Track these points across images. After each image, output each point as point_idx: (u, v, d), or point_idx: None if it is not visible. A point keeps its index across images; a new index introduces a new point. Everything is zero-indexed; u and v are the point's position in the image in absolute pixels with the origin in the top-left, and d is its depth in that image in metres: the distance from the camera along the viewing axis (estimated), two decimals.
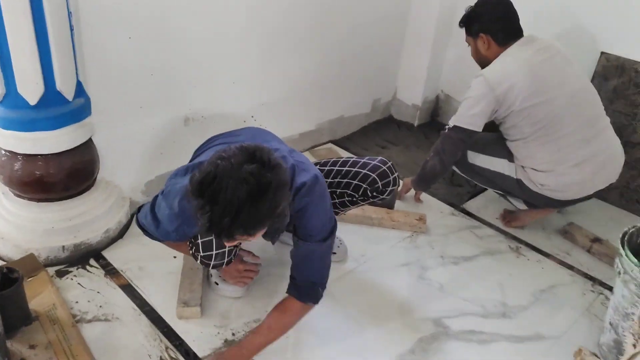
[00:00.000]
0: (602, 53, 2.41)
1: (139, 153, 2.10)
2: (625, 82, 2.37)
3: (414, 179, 2.35)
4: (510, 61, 2.01)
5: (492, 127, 2.21)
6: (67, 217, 1.84)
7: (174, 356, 1.56)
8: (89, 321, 1.65)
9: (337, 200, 1.83)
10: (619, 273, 1.54)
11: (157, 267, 1.86)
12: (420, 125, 3.22)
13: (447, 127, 2.14)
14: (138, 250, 1.93)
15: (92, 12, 1.74)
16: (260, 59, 2.36)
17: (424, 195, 2.46)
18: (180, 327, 1.65)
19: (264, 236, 1.72)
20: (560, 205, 2.19)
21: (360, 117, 3.11)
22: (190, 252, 1.61)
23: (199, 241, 1.55)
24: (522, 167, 2.09)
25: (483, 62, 2.14)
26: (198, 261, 1.62)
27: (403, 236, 2.19)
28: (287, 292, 1.56)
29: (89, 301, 1.72)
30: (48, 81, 1.62)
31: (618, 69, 2.37)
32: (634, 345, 1.30)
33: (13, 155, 1.72)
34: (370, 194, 1.79)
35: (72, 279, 1.80)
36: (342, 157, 1.87)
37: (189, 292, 1.73)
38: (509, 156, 2.14)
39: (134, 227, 1.79)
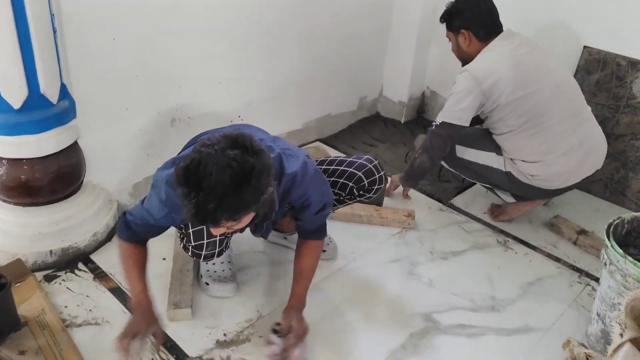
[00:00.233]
0: (585, 47, 2.44)
1: (125, 155, 2.09)
2: (607, 75, 2.40)
3: (402, 175, 2.36)
4: (494, 56, 2.03)
5: (477, 121, 2.23)
6: (54, 221, 1.82)
7: (165, 358, 1.55)
8: (79, 325, 1.64)
9: None
10: (605, 264, 1.57)
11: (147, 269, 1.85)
12: (407, 122, 3.23)
13: (434, 123, 2.15)
14: None
15: (74, 14, 1.73)
16: (246, 59, 2.36)
17: (412, 192, 2.48)
18: (171, 329, 1.65)
19: (255, 233, 1.73)
20: (548, 195, 2.22)
21: (347, 115, 3.11)
22: (181, 243, 1.63)
23: (190, 230, 1.55)
24: (511, 159, 2.11)
25: (464, 58, 2.17)
26: (189, 253, 1.62)
27: (392, 233, 2.21)
28: (304, 238, 1.69)
29: (78, 305, 1.71)
30: (32, 84, 1.60)
31: (600, 62, 2.40)
32: (621, 335, 1.31)
33: None
34: (356, 193, 1.80)
35: (60, 284, 1.79)
36: (329, 156, 1.88)
37: (179, 293, 1.73)
38: (497, 149, 2.16)
39: None
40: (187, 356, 1.57)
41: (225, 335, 1.65)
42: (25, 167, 1.71)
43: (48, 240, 1.82)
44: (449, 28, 2.18)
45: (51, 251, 1.82)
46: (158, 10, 1.94)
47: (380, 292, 1.89)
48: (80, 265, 1.87)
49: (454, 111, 2.07)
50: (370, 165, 1.80)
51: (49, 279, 1.81)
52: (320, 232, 1.70)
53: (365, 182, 1.78)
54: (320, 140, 2.96)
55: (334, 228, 2.12)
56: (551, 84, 2.02)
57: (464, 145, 2.22)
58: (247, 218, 1.30)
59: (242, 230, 1.78)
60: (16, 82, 1.57)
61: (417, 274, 1.99)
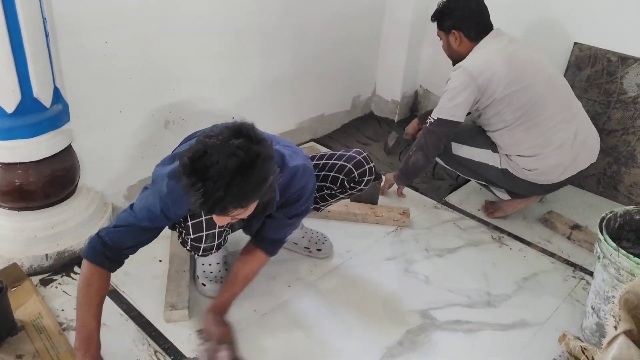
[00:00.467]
0: (575, 43, 2.46)
1: (120, 158, 2.09)
2: (598, 71, 2.42)
3: (397, 174, 2.37)
4: (486, 52, 2.05)
5: None
6: (49, 225, 1.82)
7: (162, 359, 1.55)
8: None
9: (317, 195, 1.85)
10: (599, 258, 1.58)
11: (143, 271, 1.85)
12: (401, 121, 3.24)
13: (428, 121, 2.16)
14: None
15: (67, 17, 1.73)
16: (239, 60, 2.36)
17: (407, 190, 2.49)
18: (168, 331, 1.65)
19: (245, 229, 1.73)
20: (544, 191, 2.23)
21: (341, 114, 3.12)
22: (179, 238, 1.62)
23: (189, 223, 1.55)
24: (507, 155, 2.13)
25: (454, 57, 2.19)
26: (188, 247, 1.61)
27: (387, 231, 2.21)
28: (254, 245, 1.65)
29: (74, 309, 1.70)
30: (25, 88, 1.60)
31: (591, 58, 2.42)
32: (615, 327, 1.32)
33: None
34: (347, 185, 1.81)
35: (57, 287, 1.79)
36: (319, 152, 1.89)
37: (176, 295, 1.73)
38: (493, 147, 2.17)
39: None
40: (185, 357, 1.57)
41: None
42: (19, 171, 1.70)
43: (43, 244, 1.82)
44: (440, 27, 2.20)
45: (47, 255, 1.82)
46: (151, 13, 1.94)
47: (377, 290, 1.89)
48: (76, 269, 1.86)
49: (449, 107, 2.08)
50: (359, 157, 1.81)
51: (45, 282, 1.80)
52: (273, 246, 1.67)
53: (355, 173, 1.79)
54: (315, 140, 2.96)
55: (329, 227, 2.13)
56: (543, 77, 2.04)
57: (459, 143, 2.23)
58: (253, 205, 1.33)
59: (234, 229, 1.79)
60: (9, 86, 1.57)
61: (413, 271, 2.00)
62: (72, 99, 1.82)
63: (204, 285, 1.79)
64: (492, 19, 2.14)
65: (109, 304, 1.72)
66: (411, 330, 1.72)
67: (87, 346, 1.37)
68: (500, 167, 2.15)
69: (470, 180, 2.46)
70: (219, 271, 1.82)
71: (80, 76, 1.84)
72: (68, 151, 1.81)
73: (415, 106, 3.30)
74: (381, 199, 2.39)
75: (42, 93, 1.64)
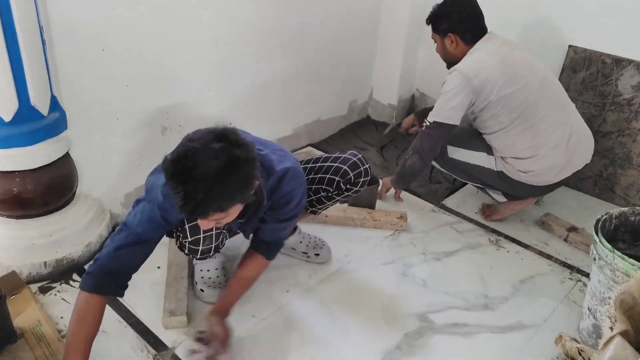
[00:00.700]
0: (570, 46, 2.47)
1: (117, 165, 2.10)
2: (593, 73, 2.43)
3: (394, 178, 2.38)
4: (481, 55, 2.07)
5: None
6: (47, 232, 1.83)
7: None
8: None
9: (313, 197, 1.86)
10: (595, 259, 1.59)
11: (141, 278, 1.82)
12: (398, 125, 3.25)
13: (424, 124, 2.18)
14: None
15: (63, 26, 1.74)
16: (235, 66, 2.38)
17: (404, 194, 2.49)
18: (167, 337, 1.66)
19: (245, 233, 1.74)
20: (540, 192, 2.24)
21: (338, 119, 3.13)
22: (177, 243, 1.63)
23: (186, 226, 1.55)
24: (502, 157, 2.14)
25: (449, 60, 2.20)
26: (186, 250, 1.62)
27: (385, 235, 2.22)
28: (253, 249, 1.68)
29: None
30: (22, 97, 1.61)
31: (586, 61, 2.44)
32: (611, 328, 1.33)
33: None
34: (344, 187, 1.82)
35: (55, 295, 1.79)
36: (315, 155, 1.90)
37: (174, 301, 1.74)
38: (488, 149, 2.18)
39: None
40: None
41: None
42: (17, 179, 1.71)
43: (42, 252, 1.82)
44: (435, 30, 2.21)
45: (45, 263, 1.82)
46: (146, 21, 1.95)
47: (375, 294, 1.90)
48: (75, 276, 1.87)
49: (445, 110, 2.09)
50: (354, 159, 1.82)
51: (44, 290, 1.81)
52: (272, 249, 1.70)
53: (351, 174, 1.80)
54: (312, 145, 2.97)
55: (327, 232, 2.14)
56: (537, 79, 2.06)
57: (455, 146, 2.24)
58: (235, 210, 1.34)
59: (231, 233, 1.80)
60: (6, 94, 1.58)
61: (410, 275, 2.00)
62: (69, 106, 1.83)
63: (203, 291, 1.80)
64: (488, 22, 2.16)
65: (107, 311, 1.71)
66: (409, 333, 1.73)
67: None
68: (495, 170, 2.16)
69: (467, 183, 2.47)
70: (217, 277, 1.83)
71: (77, 84, 1.85)
72: (66, 159, 1.82)
73: (412, 110, 3.31)
74: (379, 203, 2.40)
75: (40, 101, 1.65)
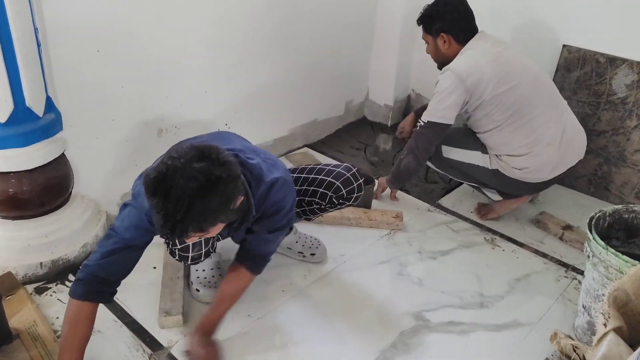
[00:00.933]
0: (564, 46, 2.48)
1: (113, 166, 2.10)
2: (587, 72, 2.44)
3: (389, 177, 2.39)
4: (473, 54, 2.08)
5: None
6: (43, 233, 1.83)
7: None
8: None
9: (306, 208, 1.86)
10: (588, 257, 1.60)
11: (137, 278, 1.83)
12: (394, 125, 3.25)
13: (418, 124, 2.18)
14: None
15: (58, 27, 1.74)
16: (231, 68, 2.38)
17: (400, 194, 2.50)
18: (162, 336, 1.66)
19: (234, 239, 1.74)
20: (535, 190, 2.25)
21: (334, 119, 3.14)
22: (168, 249, 1.63)
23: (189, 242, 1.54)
24: (497, 156, 2.15)
25: (441, 60, 2.21)
26: (176, 257, 1.63)
27: (381, 234, 2.23)
28: (239, 263, 1.62)
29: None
30: (17, 98, 1.61)
31: (580, 60, 2.45)
32: (605, 325, 1.34)
33: None
34: (336, 202, 1.82)
35: (51, 295, 1.80)
36: (309, 164, 1.89)
37: (170, 301, 1.74)
38: (482, 148, 2.19)
39: None
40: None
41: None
42: (12, 180, 1.71)
43: (38, 253, 1.83)
44: (427, 31, 2.21)
45: (41, 263, 1.82)
46: (142, 22, 1.96)
47: (371, 293, 1.91)
48: (71, 277, 1.87)
49: (439, 109, 2.10)
50: (348, 174, 1.80)
51: (39, 291, 1.81)
52: (257, 264, 1.64)
53: (344, 191, 1.79)
54: (308, 145, 2.98)
55: (323, 231, 2.14)
56: (530, 77, 2.07)
57: (449, 145, 2.25)
58: (217, 228, 1.32)
59: (222, 237, 1.80)
60: (1, 96, 1.58)
61: (406, 274, 2.01)
62: (64, 107, 1.83)
63: (198, 291, 1.80)
64: (482, 23, 2.17)
65: (103, 311, 1.73)
66: (404, 332, 1.73)
67: None
68: (490, 168, 2.17)
69: (462, 183, 2.48)
70: (213, 276, 1.83)
71: (73, 85, 1.85)
72: (61, 159, 1.83)
73: (408, 110, 3.32)
74: (375, 203, 2.41)
75: (35, 102, 1.66)
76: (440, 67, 2.20)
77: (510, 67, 2.05)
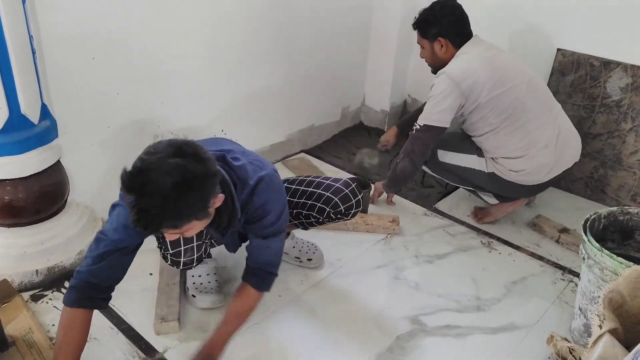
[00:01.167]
0: (559, 49, 2.49)
1: (109, 172, 2.10)
2: (582, 76, 2.45)
3: (385, 182, 2.39)
4: (468, 58, 2.08)
5: None
6: (39, 240, 1.83)
7: None
8: None
9: (304, 220, 1.86)
10: (584, 259, 1.60)
11: (133, 285, 1.85)
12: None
13: (414, 128, 2.19)
14: None
15: (53, 34, 1.75)
16: (227, 73, 2.39)
17: (397, 198, 2.50)
18: (159, 343, 1.65)
19: (227, 247, 1.74)
20: (531, 192, 2.26)
21: (331, 125, 3.15)
22: (161, 254, 1.63)
23: (167, 239, 1.53)
24: (493, 159, 2.15)
25: (437, 64, 2.21)
26: (169, 262, 1.63)
27: (378, 239, 2.23)
28: (244, 280, 1.57)
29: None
30: (12, 105, 1.61)
31: (574, 63, 2.46)
32: (600, 327, 1.34)
33: None
34: (334, 217, 1.81)
35: (47, 302, 1.79)
36: (309, 176, 1.89)
37: (166, 307, 1.74)
38: (478, 151, 2.20)
39: None
40: None
41: None
42: (8, 187, 1.71)
43: (34, 260, 1.82)
44: (424, 35, 2.21)
45: (37, 271, 1.82)
46: (137, 29, 1.97)
47: (367, 298, 1.90)
48: (67, 284, 1.86)
49: (434, 113, 2.10)
50: (346, 190, 1.79)
51: (35, 298, 1.81)
52: (262, 280, 1.57)
53: (342, 207, 1.79)
54: (305, 151, 2.98)
55: (320, 237, 2.14)
56: (524, 80, 2.08)
57: (445, 149, 2.26)
58: (192, 226, 1.29)
59: (217, 243, 1.80)
60: None
61: (403, 278, 2.01)
62: (60, 114, 1.84)
63: (194, 296, 1.80)
64: (478, 27, 2.18)
65: (99, 318, 1.72)
66: (401, 336, 1.73)
67: None
68: (487, 171, 2.17)
69: (459, 187, 2.48)
70: (209, 282, 1.83)
71: (68, 92, 1.86)
72: (57, 167, 1.83)
73: (404, 115, 3.33)
74: (371, 208, 2.41)
75: (30, 109, 1.66)
76: (435, 72, 2.21)
77: (505, 70, 2.06)
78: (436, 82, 2.10)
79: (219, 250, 1.93)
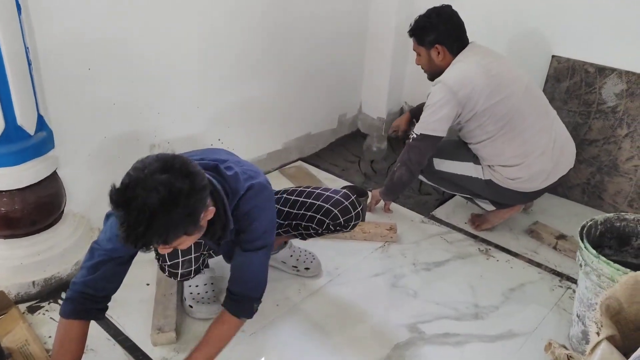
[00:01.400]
0: (553, 56, 2.50)
1: (105, 183, 2.05)
2: (577, 82, 2.46)
3: (382, 190, 2.39)
4: (465, 66, 2.08)
5: None
6: (35, 252, 1.82)
7: None
8: None
9: (303, 232, 1.86)
10: (581, 265, 1.60)
11: (130, 296, 1.84)
12: (387, 138, 3.27)
13: (411, 136, 2.19)
14: None
15: (49, 45, 1.75)
16: (223, 82, 2.40)
17: (394, 206, 2.50)
18: (156, 354, 1.65)
19: (225, 258, 1.74)
20: (527, 199, 2.26)
21: (328, 133, 3.15)
22: (158, 265, 1.62)
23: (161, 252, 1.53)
24: (490, 166, 2.15)
25: (434, 71, 2.20)
26: (166, 273, 1.62)
27: (375, 247, 2.23)
28: (222, 305, 1.53)
29: None
30: (8, 117, 1.62)
31: (569, 70, 2.47)
32: (598, 334, 1.33)
33: None
34: (333, 228, 1.81)
35: (44, 314, 1.79)
36: (309, 187, 1.88)
37: (163, 317, 1.73)
38: (475, 159, 2.20)
39: None
40: None
41: None
42: (4, 199, 1.71)
43: (30, 272, 1.82)
44: (420, 43, 2.21)
45: (34, 282, 1.82)
46: (132, 40, 1.97)
47: (365, 306, 1.90)
48: (64, 295, 1.85)
49: (431, 122, 2.11)
50: (346, 203, 1.79)
51: (32, 310, 1.80)
52: (239, 305, 1.51)
53: (341, 219, 1.78)
54: (302, 159, 2.98)
55: (317, 245, 2.14)
56: (521, 87, 2.08)
57: (441, 158, 2.26)
58: (182, 241, 1.28)
59: (215, 253, 1.79)
60: None
61: (401, 286, 2.01)
62: (56, 125, 1.84)
63: (191, 307, 1.79)
64: (474, 34, 2.19)
65: (96, 329, 1.72)
66: (399, 344, 1.73)
67: None
68: (483, 179, 2.18)
69: (456, 194, 2.48)
70: (206, 292, 1.82)
71: (64, 103, 1.86)
72: (53, 178, 1.83)
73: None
74: (369, 216, 2.41)
75: (26, 121, 1.66)
76: (431, 78, 2.21)
77: (502, 78, 2.07)
78: (433, 90, 2.11)
79: (216, 260, 1.93)
